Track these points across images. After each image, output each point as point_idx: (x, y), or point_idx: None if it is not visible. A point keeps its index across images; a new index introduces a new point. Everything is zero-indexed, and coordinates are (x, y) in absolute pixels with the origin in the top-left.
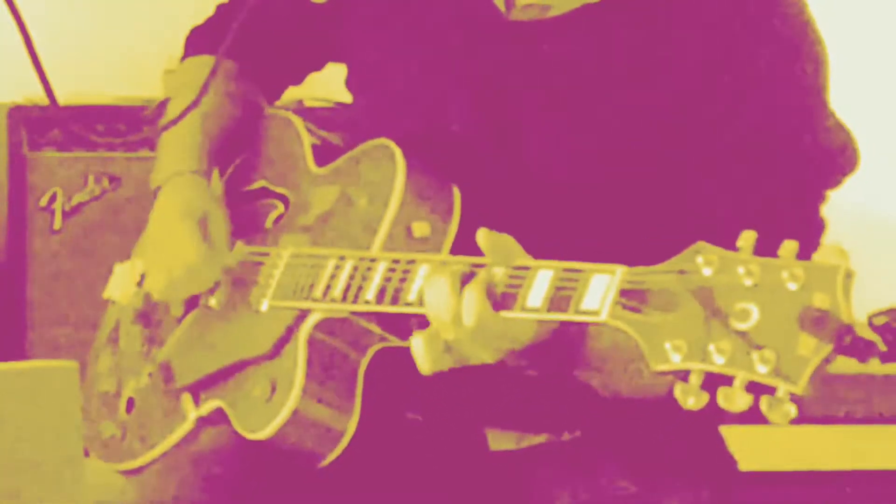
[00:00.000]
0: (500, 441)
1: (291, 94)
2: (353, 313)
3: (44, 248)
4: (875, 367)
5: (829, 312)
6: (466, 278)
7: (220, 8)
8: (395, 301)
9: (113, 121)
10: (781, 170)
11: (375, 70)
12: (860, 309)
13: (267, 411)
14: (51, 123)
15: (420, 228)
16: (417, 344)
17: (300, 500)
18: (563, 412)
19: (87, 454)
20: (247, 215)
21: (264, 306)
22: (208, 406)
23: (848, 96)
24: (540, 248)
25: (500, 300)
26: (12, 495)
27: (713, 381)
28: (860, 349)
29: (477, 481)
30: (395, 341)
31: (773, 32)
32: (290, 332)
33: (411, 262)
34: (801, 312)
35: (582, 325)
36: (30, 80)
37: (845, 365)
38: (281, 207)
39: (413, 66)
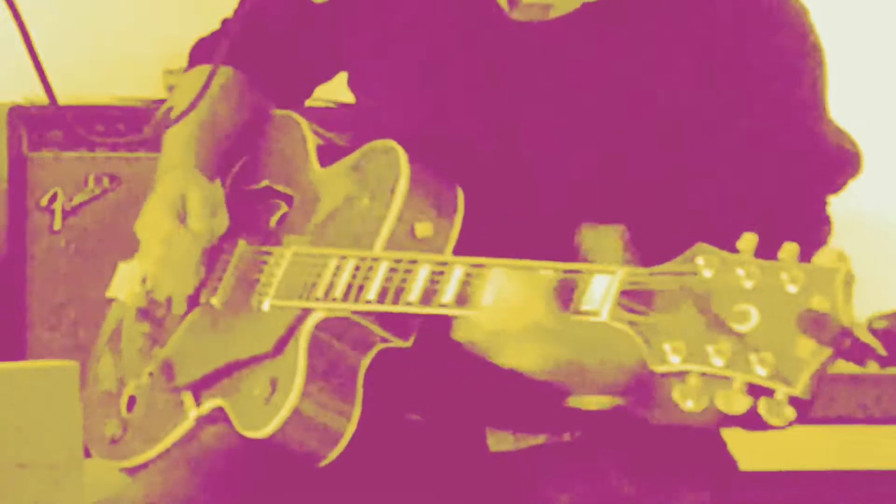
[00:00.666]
0: (501, 442)
1: None
2: (355, 313)
3: (44, 248)
4: (875, 367)
5: (829, 315)
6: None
7: (225, 23)
8: (396, 301)
9: (113, 121)
10: (782, 173)
11: (378, 70)
12: (860, 312)
13: (267, 410)
14: (51, 123)
15: (423, 229)
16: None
17: (300, 500)
18: (564, 413)
19: (87, 454)
20: (251, 215)
21: (266, 305)
22: (209, 405)
23: (847, 97)
24: (541, 249)
25: None
26: (12, 495)
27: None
28: (859, 353)
29: (477, 482)
30: (396, 342)
31: (773, 37)
32: (292, 331)
33: (413, 262)
34: (800, 315)
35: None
36: (30, 80)
37: (845, 365)
38: (285, 207)
39: (415, 65)
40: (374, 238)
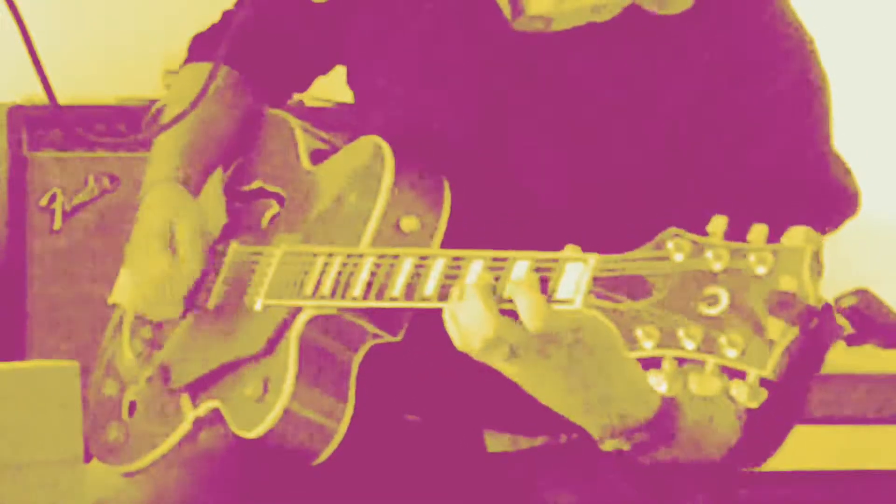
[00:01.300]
0: (498, 443)
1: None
2: (343, 310)
3: (44, 248)
4: (875, 366)
5: (796, 295)
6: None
7: (226, 14)
8: (380, 296)
9: (113, 121)
10: (781, 207)
11: (377, 69)
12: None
13: (259, 410)
14: (51, 123)
15: (409, 223)
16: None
17: (299, 501)
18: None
19: (89, 458)
20: (244, 216)
21: (258, 305)
22: (206, 406)
23: (847, 97)
24: (531, 246)
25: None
26: (12, 495)
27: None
28: (827, 332)
29: (475, 483)
30: (387, 337)
31: (778, 68)
32: (282, 330)
33: (396, 256)
34: (768, 296)
35: (673, 400)
36: (30, 80)
37: (845, 365)
38: (276, 207)
39: (414, 67)
40: (361, 234)
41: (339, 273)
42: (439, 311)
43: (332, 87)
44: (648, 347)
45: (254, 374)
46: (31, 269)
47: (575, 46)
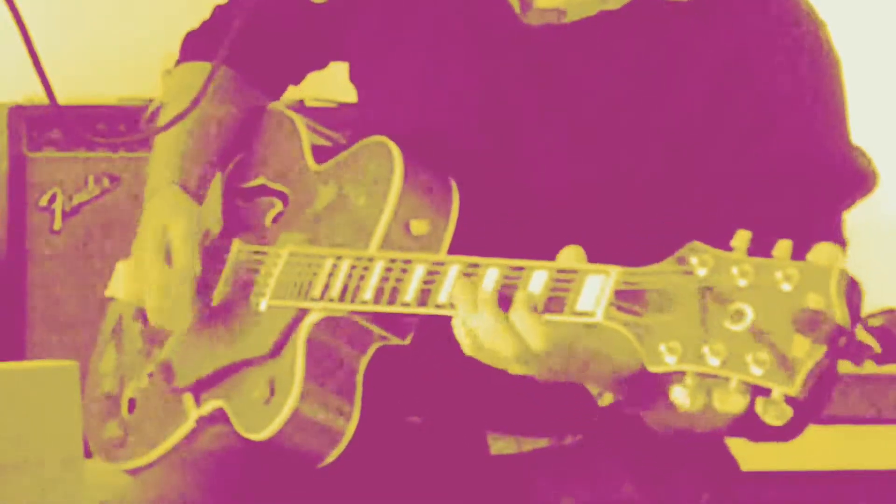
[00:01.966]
0: (502, 445)
1: (292, 93)
2: (352, 313)
3: (44, 248)
4: (874, 367)
5: (824, 313)
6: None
7: (217, 10)
8: (392, 301)
9: (113, 121)
10: (799, 191)
11: (382, 65)
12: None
13: (266, 412)
14: (51, 123)
15: (418, 226)
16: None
17: (301, 502)
18: (565, 416)
19: (88, 455)
20: (245, 213)
21: (263, 306)
22: (209, 406)
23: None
24: (539, 249)
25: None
26: (12, 495)
27: None
28: (855, 351)
29: (478, 485)
30: (394, 340)
31: (791, 53)
32: (289, 332)
33: (408, 262)
34: (795, 313)
35: None
36: (30, 80)
37: (844, 365)
38: (279, 205)
39: (421, 63)
40: (370, 236)
41: (349, 276)
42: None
43: (333, 87)
44: (671, 363)
45: (260, 375)
46: (31, 269)
47: (585, 40)
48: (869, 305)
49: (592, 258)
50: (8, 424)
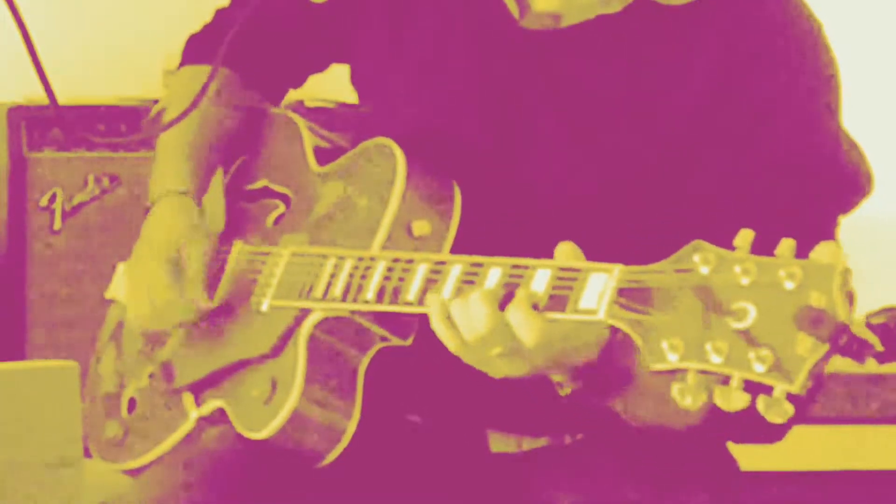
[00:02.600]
0: (501, 444)
1: (292, 94)
2: (354, 313)
3: (44, 248)
4: (875, 366)
5: (826, 311)
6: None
7: (219, 13)
8: (394, 300)
9: (113, 121)
10: (795, 193)
11: (382, 67)
12: (859, 308)
13: (267, 411)
14: (51, 123)
15: (420, 227)
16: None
17: (301, 501)
18: (565, 415)
19: (88, 454)
20: (248, 215)
21: (265, 306)
22: (209, 406)
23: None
24: (541, 249)
25: (502, 301)
26: (12, 495)
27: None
28: (857, 349)
29: (478, 484)
30: (396, 341)
31: (789, 53)
32: (291, 331)
33: (410, 261)
34: (797, 312)
35: (627, 348)
36: (30, 80)
37: (845, 364)
38: (282, 207)
39: (421, 66)
40: (372, 237)
41: (351, 276)
42: None
43: (333, 87)
44: (674, 360)
45: (260, 375)
46: (31, 269)
47: (583, 42)
48: (869, 305)
49: (594, 257)
50: (8, 424)
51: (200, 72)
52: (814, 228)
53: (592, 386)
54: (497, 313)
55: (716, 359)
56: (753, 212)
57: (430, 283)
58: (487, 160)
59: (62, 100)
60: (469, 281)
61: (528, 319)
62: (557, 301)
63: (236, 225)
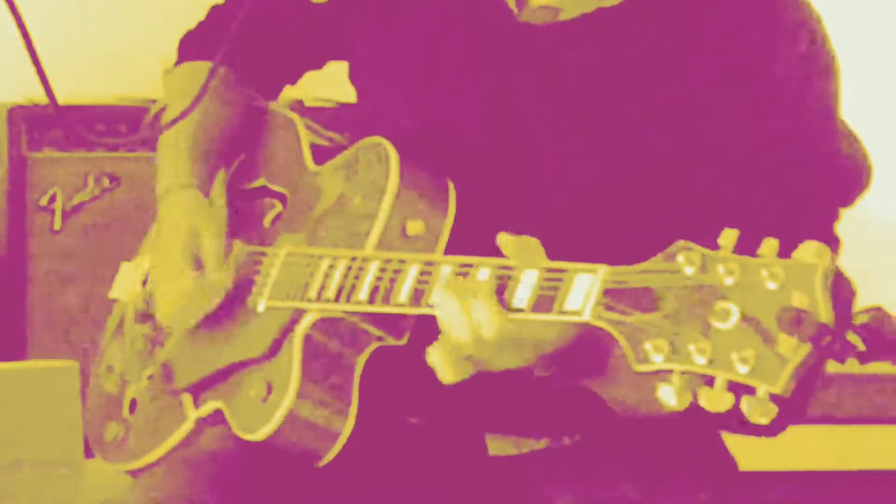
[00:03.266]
0: (500, 446)
1: (291, 94)
2: (348, 313)
3: (44, 248)
4: (874, 366)
5: (808, 312)
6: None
7: (213, 10)
8: (386, 301)
9: (113, 121)
10: (795, 187)
11: (381, 65)
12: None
13: (263, 412)
14: (51, 123)
15: (414, 227)
16: (435, 358)
17: (300, 502)
18: (564, 417)
19: (88, 455)
20: (246, 214)
21: (261, 306)
22: (208, 407)
23: (848, 97)
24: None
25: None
26: (12, 495)
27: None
28: (840, 349)
29: (476, 486)
30: (391, 341)
31: (788, 48)
32: (286, 332)
33: (402, 261)
34: (779, 312)
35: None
36: (30, 80)
37: (845, 365)
38: (279, 206)
39: (420, 63)
40: (366, 237)
41: (345, 276)
42: None
43: (333, 87)
44: (658, 361)
45: (257, 375)
46: (31, 269)
47: (581, 36)
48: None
49: (592, 255)
50: (8, 424)
51: (198, 68)
52: (813, 222)
53: (566, 371)
54: (466, 303)
55: (699, 360)
56: (752, 206)
57: (421, 283)
58: (486, 157)
59: (62, 100)
60: None
61: (487, 311)
62: (544, 302)
63: (235, 225)
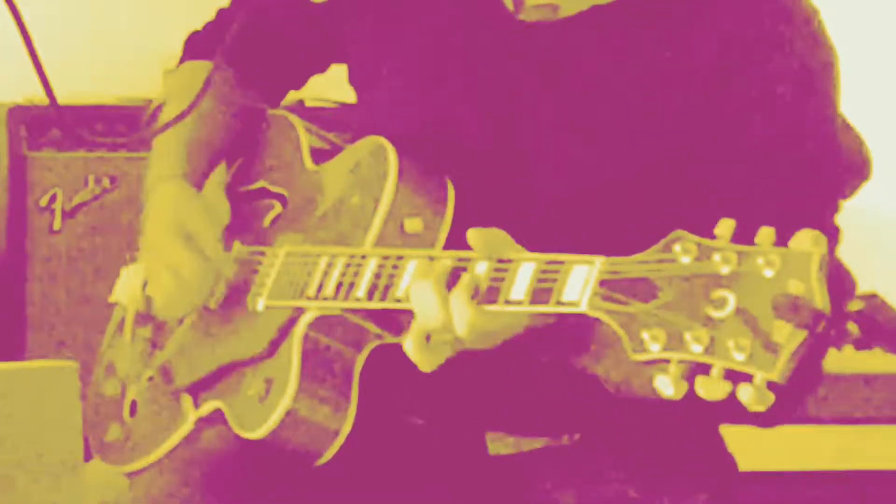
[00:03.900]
0: (500, 445)
1: (292, 94)
2: (347, 311)
3: (44, 248)
4: (876, 366)
5: (804, 299)
6: (452, 279)
7: (220, 13)
8: (384, 297)
9: (113, 121)
10: (794, 179)
11: (380, 66)
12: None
13: (262, 411)
14: (51, 123)
15: (412, 224)
16: (410, 346)
17: (300, 502)
18: (563, 415)
19: (88, 456)
20: (246, 215)
21: (260, 306)
22: (207, 407)
23: (847, 96)
24: (539, 244)
25: (485, 295)
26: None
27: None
28: (835, 335)
29: (477, 485)
30: (390, 338)
31: (785, 40)
32: (285, 331)
33: (400, 257)
34: (775, 299)
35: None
36: (30, 80)
37: (845, 365)
38: (278, 207)
39: (418, 62)
40: (364, 235)
41: (343, 274)
42: None
43: (332, 87)
44: (655, 350)
45: (256, 374)
46: (30, 269)
47: (579, 34)
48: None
49: (592, 249)
50: (8, 424)
51: (200, 68)
52: (812, 213)
53: (546, 345)
54: (444, 294)
55: (696, 348)
56: (752, 198)
57: None
58: (485, 155)
59: (62, 100)
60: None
61: (462, 307)
62: (542, 294)
63: (234, 225)
